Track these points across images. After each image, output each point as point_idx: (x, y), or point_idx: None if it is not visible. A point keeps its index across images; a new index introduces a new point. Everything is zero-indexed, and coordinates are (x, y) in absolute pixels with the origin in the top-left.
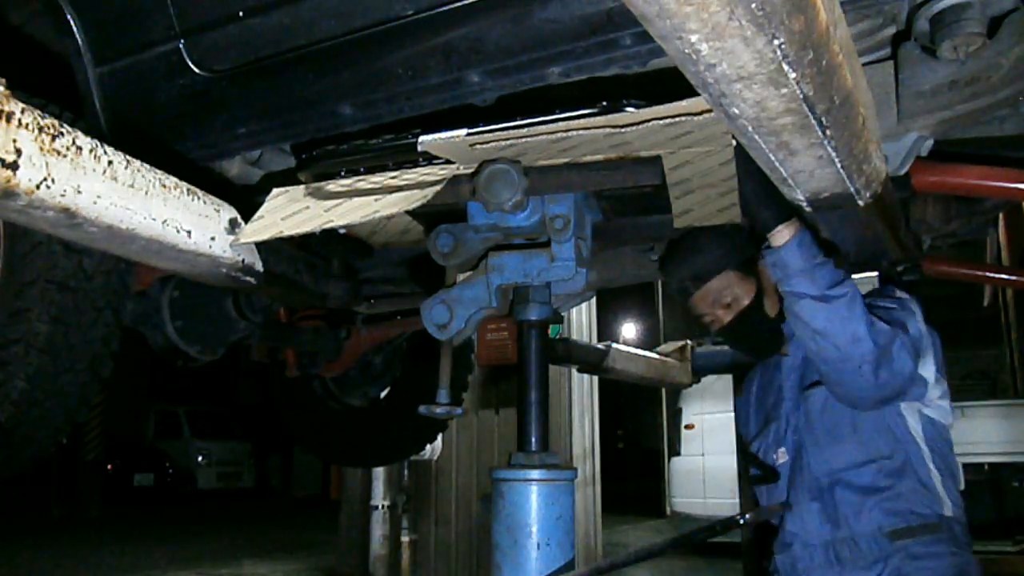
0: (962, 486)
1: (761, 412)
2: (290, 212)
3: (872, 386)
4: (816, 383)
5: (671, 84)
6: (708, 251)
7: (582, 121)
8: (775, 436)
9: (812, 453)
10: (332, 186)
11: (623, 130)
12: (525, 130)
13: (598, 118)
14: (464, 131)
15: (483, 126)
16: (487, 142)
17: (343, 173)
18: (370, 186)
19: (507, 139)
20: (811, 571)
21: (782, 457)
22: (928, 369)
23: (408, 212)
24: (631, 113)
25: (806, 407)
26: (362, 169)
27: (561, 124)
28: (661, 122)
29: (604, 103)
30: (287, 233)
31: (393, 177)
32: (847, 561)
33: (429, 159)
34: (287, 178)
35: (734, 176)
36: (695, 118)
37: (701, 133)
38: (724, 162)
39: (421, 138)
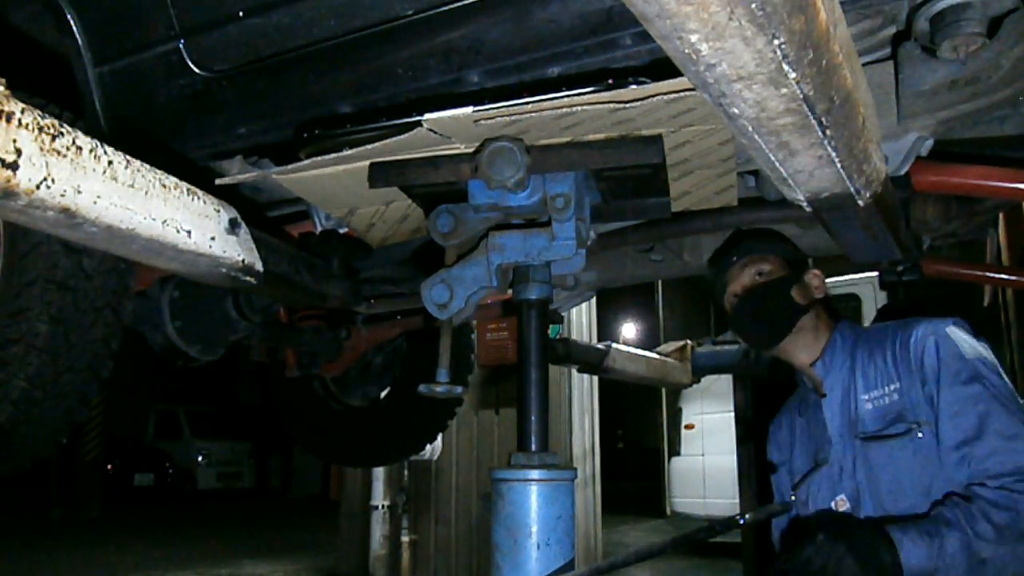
0: None
1: (809, 452)
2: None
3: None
4: (880, 437)
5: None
6: (767, 235)
7: (587, 97)
8: (830, 483)
9: (871, 507)
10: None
11: (627, 106)
12: (530, 107)
13: (603, 94)
14: (470, 108)
15: (488, 103)
16: (491, 118)
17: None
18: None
19: (511, 115)
20: None
21: (842, 505)
22: None
23: (407, 194)
24: (635, 88)
25: (866, 457)
26: None
27: (565, 100)
28: (665, 97)
29: (609, 80)
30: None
31: None
32: None
33: None
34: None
35: (732, 157)
36: (697, 94)
37: (703, 110)
38: (723, 142)
39: (426, 115)
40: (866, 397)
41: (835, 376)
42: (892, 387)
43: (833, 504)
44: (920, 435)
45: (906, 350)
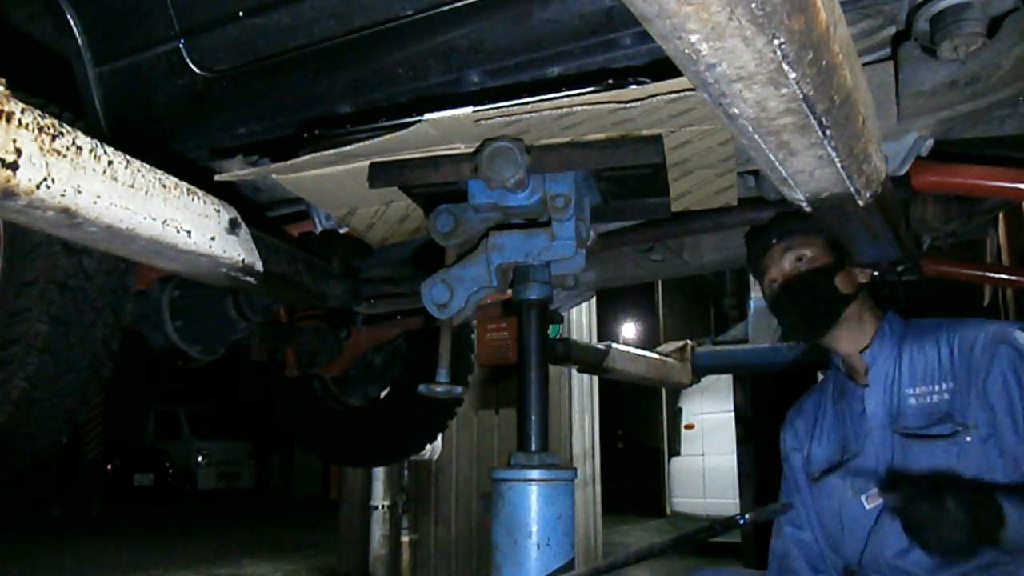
0: None
1: (836, 440)
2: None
3: None
4: (923, 436)
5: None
6: (807, 218)
7: (587, 97)
8: (863, 475)
9: None
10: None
11: (627, 106)
12: (530, 107)
13: (602, 94)
14: (470, 108)
15: (488, 103)
16: (491, 118)
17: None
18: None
19: (511, 115)
20: None
21: (875, 500)
22: None
23: (407, 194)
24: (635, 89)
25: (905, 454)
26: None
27: (565, 100)
28: (665, 97)
29: (609, 80)
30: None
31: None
32: None
33: None
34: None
35: (732, 157)
36: (697, 94)
37: (703, 110)
38: (723, 142)
39: (426, 116)
40: (911, 391)
41: (880, 367)
42: (943, 386)
43: (864, 498)
44: (968, 439)
45: (969, 353)
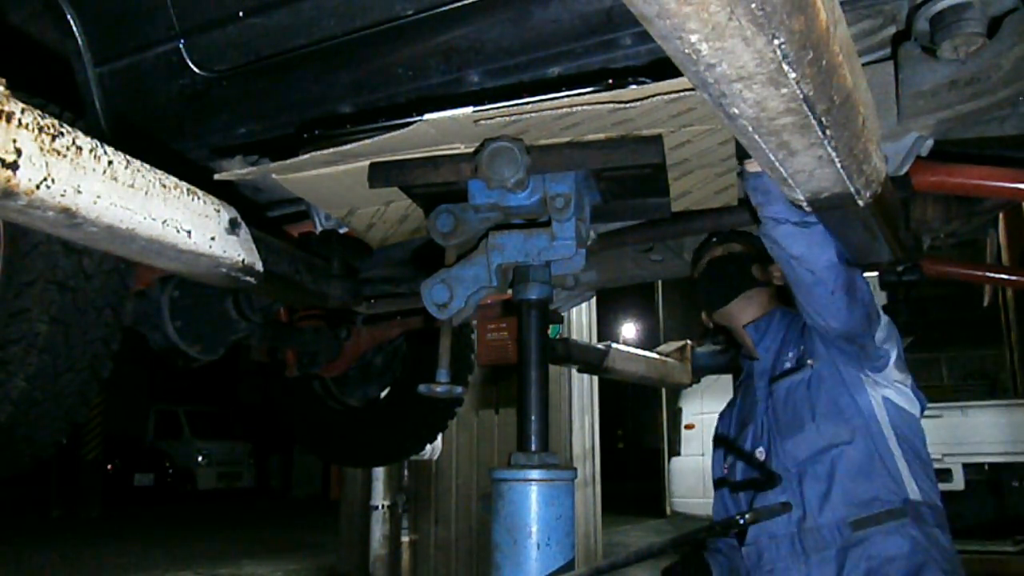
0: (934, 477)
1: (739, 418)
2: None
3: (843, 310)
4: (783, 375)
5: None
6: (747, 232)
7: (587, 97)
8: (752, 438)
9: (778, 444)
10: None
11: (627, 106)
12: (530, 107)
13: (602, 94)
14: (470, 108)
15: (488, 103)
16: (491, 118)
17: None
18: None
19: (511, 115)
20: (776, 562)
21: (760, 457)
22: (892, 348)
23: (407, 194)
24: (635, 89)
25: (772, 400)
26: None
27: (566, 100)
28: (664, 97)
29: (609, 80)
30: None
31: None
32: (811, 551)
33: None
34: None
35: (732, 156)
36: (697, 94)
37: (703, 110)
38: (723, 141)
39: (426, 116)
40: (789, 355)
41: (768, 343)
42: (803, 347)
43: (757, 454)
44: (811, 363)
45: None
